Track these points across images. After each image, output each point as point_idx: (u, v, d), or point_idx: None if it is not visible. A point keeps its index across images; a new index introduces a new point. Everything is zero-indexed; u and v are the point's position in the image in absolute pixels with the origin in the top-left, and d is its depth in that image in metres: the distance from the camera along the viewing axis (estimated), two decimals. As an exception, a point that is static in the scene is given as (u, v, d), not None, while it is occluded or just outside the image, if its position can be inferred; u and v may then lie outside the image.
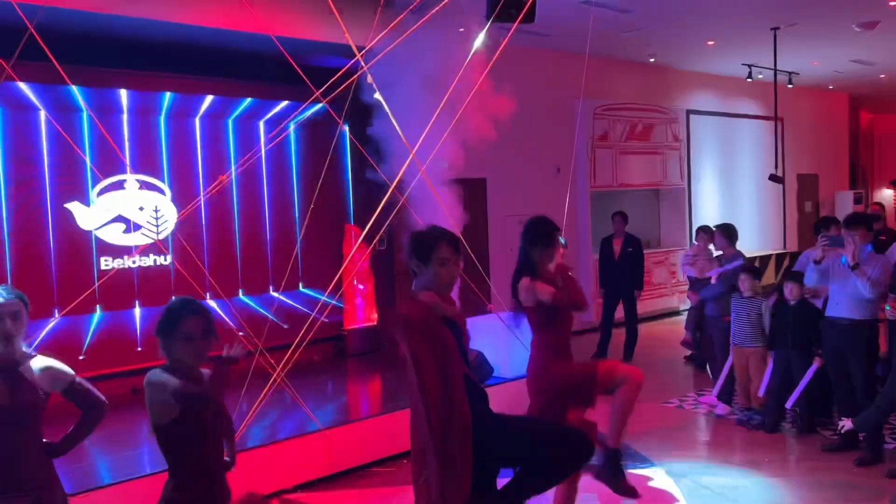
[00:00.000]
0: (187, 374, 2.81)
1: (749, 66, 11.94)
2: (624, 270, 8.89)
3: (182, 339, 2.79)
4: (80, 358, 6.82)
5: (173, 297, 2.99)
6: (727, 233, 7.14)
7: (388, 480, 5.32)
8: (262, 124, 8.22)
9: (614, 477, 3.82)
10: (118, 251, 7.24)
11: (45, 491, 3.01)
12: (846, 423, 5.28)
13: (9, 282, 6.71)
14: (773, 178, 10.88)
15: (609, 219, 9.26)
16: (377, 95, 5.31)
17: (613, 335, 8.96)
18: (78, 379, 3.12)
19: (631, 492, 3.85)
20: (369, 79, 5.13)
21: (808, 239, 15.21)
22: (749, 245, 13.18)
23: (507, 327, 5.42)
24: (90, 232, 7.09)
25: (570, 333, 4.04)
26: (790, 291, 5.94)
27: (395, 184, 5.65)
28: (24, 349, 3.04)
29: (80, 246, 7.06)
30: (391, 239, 8.45)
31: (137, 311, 7.36)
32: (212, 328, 2.87)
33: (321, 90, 5.14)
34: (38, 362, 3.03)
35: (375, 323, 8.72)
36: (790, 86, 12.97)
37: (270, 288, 8.34)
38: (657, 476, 5.23)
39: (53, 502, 3.05)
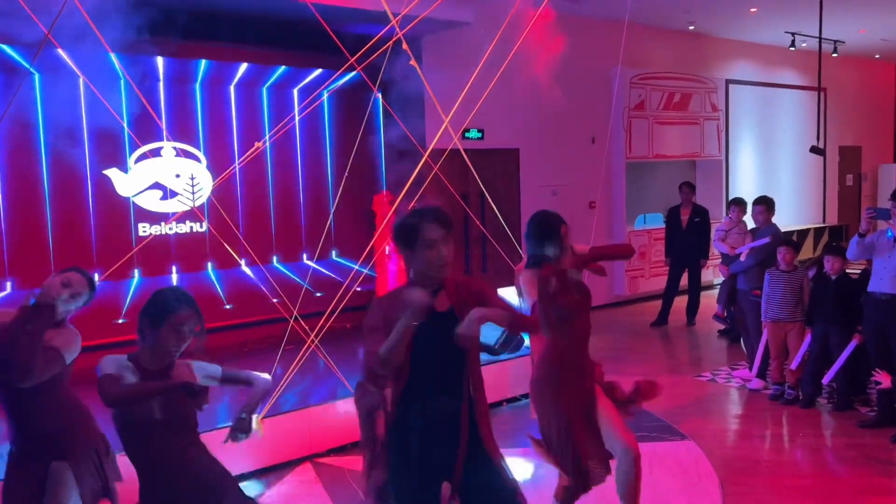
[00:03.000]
0: (154, 369, 2.79)
1: (792, 34, 11.59)
2: (690, 240, 9.10)
3: (171, 328, 2.78)
4: (120, 321, 6.97)
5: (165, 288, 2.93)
6: (769, 206, 7.03)
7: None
8: (295, 92, 8.23)
9: None
10: (155, 217, 7.35)
11: (71, 441, 3.10)
12: (884, 381, 5.16)
13: (50, 246, 6.88)
14: (814, 149, 10.59)
15: (644, 190, 9.17)
16: (412, 62, 5.26)
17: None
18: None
19: None
20: (404, 45, 5.08)
21: (848, 213, 14.89)
22: (787, 219, 12.93)
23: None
24: (128, 198, 7.20)
25: (584, 337, 3.65)
26: (831, 265, 5.82)
27: (428, 152, 5.63)
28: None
29: (119, 212, 7.18)
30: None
31: (174, 276, 7.49)
32: (202, 322, 2.85)
33: (355, 57, 5.11)
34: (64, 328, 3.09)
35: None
36: (835, 55, 12.58)
37: (304, 256, 8.42)
38: (689, 449, 5.21)
39: (75, 449, 3.11)
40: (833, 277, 5.82)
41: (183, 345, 2.85)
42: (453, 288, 2.79)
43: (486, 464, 2.79)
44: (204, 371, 2.98)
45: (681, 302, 9.38)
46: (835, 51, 12.46)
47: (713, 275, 11.48)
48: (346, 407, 5.43)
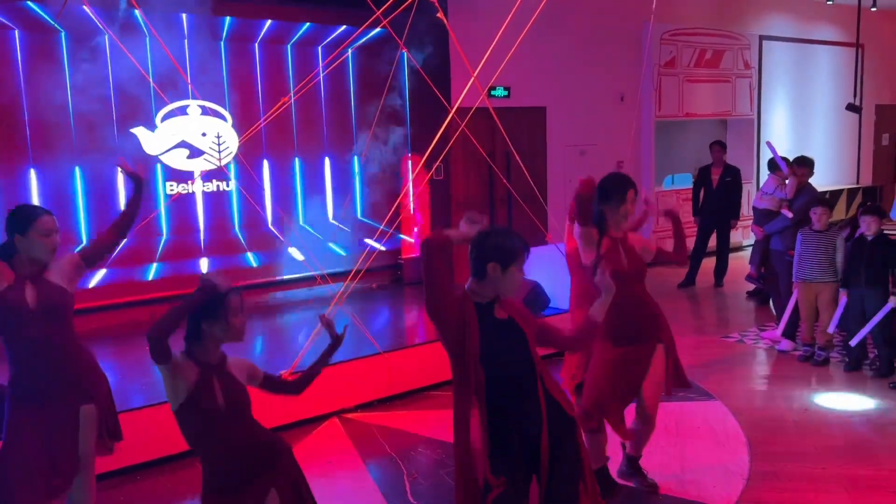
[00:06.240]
0: (214, 362, 2.71)
1: (830, -13, 11.21)
2: (721, 199, 8.94)
3: (228, 314, 2.66)
4: (149, 279, 7.06)
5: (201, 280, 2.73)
6: (810, 166, 6.98)
7: (444, 404, 5.37)
8: (320, 50, 8.15)
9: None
10: (182, 176, 7.37)
11: (94, 385, 3.27)
12: None
13: (78, 204, 6.94)
14: (850, 107, 10.31)
15: (673, 150, 9.00)
16: (439, 15, 5.16)
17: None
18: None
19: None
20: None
21: (882, 174, 14.51)
22: (820, 179, 12.61)
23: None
24: (156, 157, 7.22)
25: (630, 304, 3.67)
26: (867, 226, 5.68)
27: (454, 109, 5.55)
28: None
29: (146, 170, 7.20)
30: (447, 167, 8.37)
31: (202, 235, 7.53)
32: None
33: (381, 10, 5.02)
34: (57, 263, 3.28)
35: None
36: (874, 9, 12.14)
37: (330, 216, 8.42)
38: (717, 409, 5.19)
39: (99, 392, 3.29)
40: (869, 238, 5.69)
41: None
42: (503, 303, 2.92)
43: (565, 418, 2.92)
44: (248, 370, 2.95)
45: (708, 263, 9.27)
46: (874, 5, 12.02)
47: (742, 236, 11.31)
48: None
